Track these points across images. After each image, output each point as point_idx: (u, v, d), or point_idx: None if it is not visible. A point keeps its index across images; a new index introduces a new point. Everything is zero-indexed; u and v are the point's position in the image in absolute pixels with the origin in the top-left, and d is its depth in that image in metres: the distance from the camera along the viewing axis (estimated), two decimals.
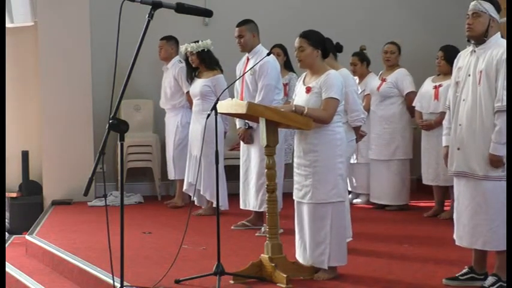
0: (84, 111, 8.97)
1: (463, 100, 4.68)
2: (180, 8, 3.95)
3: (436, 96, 7.34)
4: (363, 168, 8.18)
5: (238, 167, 7.06)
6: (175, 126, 8.36)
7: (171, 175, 8.45)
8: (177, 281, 4.94)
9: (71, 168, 8.76)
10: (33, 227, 7.45)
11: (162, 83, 8.57)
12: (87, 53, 8.98)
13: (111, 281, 4.28)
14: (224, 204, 7.29)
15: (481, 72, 4.59)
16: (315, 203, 4.93)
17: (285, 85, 7.77)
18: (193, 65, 7.65)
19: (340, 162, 4.96)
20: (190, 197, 7.91)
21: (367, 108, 7.68)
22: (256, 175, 6.63)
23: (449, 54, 7.16)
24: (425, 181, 7.63)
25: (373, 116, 7.92)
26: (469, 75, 4.66)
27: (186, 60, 7.78)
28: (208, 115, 4.96)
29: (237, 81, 6.71)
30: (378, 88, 7.91)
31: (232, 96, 6.37)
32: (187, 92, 7.98)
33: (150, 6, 3.85)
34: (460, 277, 4.82)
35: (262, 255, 5.03)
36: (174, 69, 8.39)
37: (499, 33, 4.68)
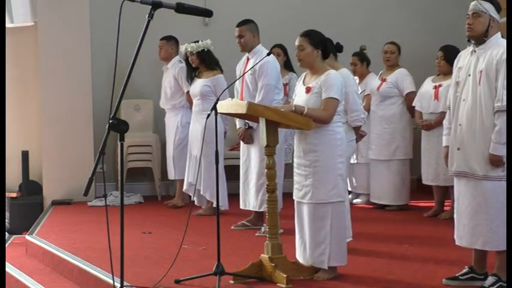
0: (84, 111, 8.97)
1: (463, 100, 4.68)
2: (180, 8, 3.95)
3: (436, 96, 7.34)
4: (363, 168, 8.18)
5: (238, 167, 7.06)
6: (175, 126, 8.35)
7: (171, 175, 8.45)
8: (177, 281, 4.94)
9: (71, 168, 8.76)
10: (33, 227, 7.44)
11: (162, 83, 8.57)
12: (87, 53, 8.98)
13: (111, 281, 4.28)
14: (224, 204, 7.29)
15: (481, 72, 4.59)
16: (315, 203, 4.93)
17: (285, 85, 7.77)
18: (193, 65, 7.65)
19: (340, 162, 4.96)
20: (190, 197, 7.91)
21: (367, 108, 7.68)
22: (256, 175, 6.63)
23: (449, 54, 7.16)
24: (425, 181, 7.63)
25: (373, 116, 7.92)
26: (469, 75, 4.66)
27: (186, 60, 7.78)
28: (208, 115, 4.96)
29: (237, 81, 6.71)
30: (378, 88, 7.91)
31: (232, 96, 6.37)
32: (188, 92, 7.98)
33: (150, 6, 3.85)
34: (460, 277, 4.82)
35: (262, 255, 5.03)
36: (174, 69, 8.39)
37: (499, 33, 4.68)
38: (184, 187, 7.79)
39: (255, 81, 6.62)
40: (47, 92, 8.90)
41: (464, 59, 4.77)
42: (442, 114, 6.63)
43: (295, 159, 5.10)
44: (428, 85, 7.51)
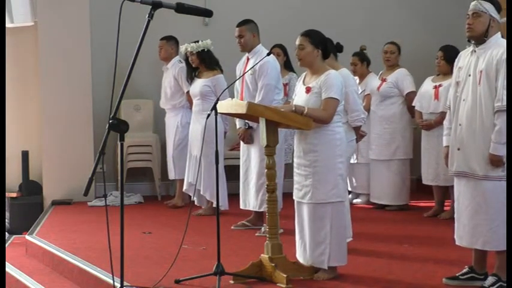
0: (84, 111, 8.97)
1: (463, 100, 4.68)
2: (180, 8, 3.95)
3: (436, 96, 7.34)
4: (363, 168, 8.18)
5: (238, 167, 7.06)
6: (175, 126, 8.35)
7: (171, 175, 8.45)
8: (177, 281, 4.94)
9: (71, 168, 8.76)
10: (33, 227, 7.44)
11: (162, 83, 8.57)
12: (87, 53, 8.98)
13: (111, 281, 4.28)
14: (224, 204, 7.29)
15: (481, 72, 4.59)
16: (314, 203, 4.93)
17: (285, 85, 7.77)
18: (193, 65, 7.65)
19: (340, 162, 4.96)
20: (190, 197, 7.91)
21: (367, 108, 7.68)
22: (256, 175, 6.62)
23: (449, 54, 7.17)
24: (425, 181, 7.63)
25: (374, 116, 7.92)
26: (469, 75, 4.66)
27: (186, 60, 7.78)
28: (208, 115, 4.96)
29: (237, 81, 6.71)
30: (378, 88, 7.91)
31: (232, 96, 6.37)
32: (188, 92, 7.98)
33: (150, 6, 3.85)
34: (460, 277, 4.83)
35: (262, 255, 5.03)
36: (174, 69, 8.39)
37: (499, 33, 4.67)
38: (184, 187, 7.79)
39: (255, 81, 6.62)
40: (47, 92, 8.90)
41: (465, 59, 4.77)
42: (442, 114, 6.65)
43: (295, 159, 5.10)
44: (428, 85, 7.51)
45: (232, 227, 6.88)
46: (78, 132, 8.93)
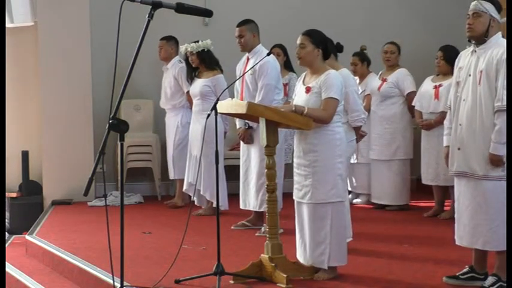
0: (84, 111, 8.97)
1: (464, 100, 4.68)
2: (180, 8, 3.95)
3: (437, 96, 7.34)
4: (363, 168, 8.18)
5: (238, 167, 7.06)
6: (175, 126, 8.35)
7: (171, 175, 8.45)
8: (177, 281, 4.94)
9: (71, 168, 8.76)
10: (33, 227, 7.44)
11: (162, 83, 8.57)
12: (87, 53, 8.98)
13: (111, 281, 4.28)
14: (224, 204, 7.29)
15: (481, 72, 4.59)
16: (314, 203, 4.93)
17: (285, 85, 7.77)
18: (193, 65, 7.65)
19: (339, 162, 4.96)
20: (190, 197, 7.91)
21: (368, 109, 7.67)
22: (256, 175, 6.62)
23: (449, 54, 7.17)
24: (424, 181, 7.63)
25: (374, 116, 7.91)
26: (470, 75, 4.66)
27: (186, 60, 7.78)
28: (208, 115, 4.96)
29: (237, 81, 6.71)
30: (379, 88, 7.90)
31: (232, 96, 6.37)
32: (188, 92, 7.98)
33: (150, 6, 3.85)
34: (461, 276, 4.83)
35: (262, 255, 5.03)
36: (174, 69, 8.39)
37: (499, 33, 4.67)
38: (184, 187, 7.79)
39: (255, 81, 6.62)
40: (47, 92, 8.90)
41: (465, 59, 4.77)
42: (442, 114, 6.65)
43: (295, 159, 5.10)
44: (428, 85, 7.51)
45: (232, 227, 6.88)
46: (78, 132, 8.93)
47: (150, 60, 8.71)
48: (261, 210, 6.59)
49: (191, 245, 5.97)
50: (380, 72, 8.08)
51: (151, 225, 7.22)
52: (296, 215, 5.10)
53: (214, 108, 5.02)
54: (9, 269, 6.20)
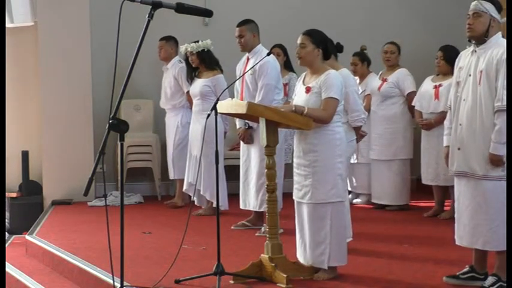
0: (84, 111, 8.97)
1: (464, 100, 4.68)
2: (180, 8, 3.95)
3: (437, 96, 7.34)
4: (363, 168, 8.18)
5: (238, 167, 7.06)
6: (175, 126, 8.36)
7: (171, 175, 8.45)
8: (177, 281, 4.94)
9: (71, 168, 8.76)
10: (33, 227, 7.44)
11: (162, 83, 8.57)
12: (87, 53, 8.98)
13: (111, 281, 4.28)
14: (224, 204, 7.29)
15: (481, 72, 4.59)
16: (314, 203, 4.93)
17: (285, 85, 7.77)
18: (193, 65, 7.65)
19: (339, 162, 4.96)
20: (190, 197, 7.91)
21: (368, 109, 7.67)
22: (256, 175, 6.62)
23: (449, 54, 7.17)
24: (424, 181, 7.63)
25: (374, 116, 7.91)
26: (470, 75, 4.66)
27: (186, 60, 7.78)
28: (208, 115, 4.96)
29: (237, 81, 6.71)
30: (379, 88, 7.90)
31: (232, 96, 6.37)
32: (188, 92, 7.98)
33: (150, 6, 3.85)
34: (461, 276, 4.83)
35: (262, 255, 5.03)
36: (174, 69, 8.39)
37: (500, 33, 4.67)
38: (184, 187, 7.79)
39: (255, 81, 6.62)
40: (47, 92, 8.90)
41: (465, 59, 4.77)
42: (442, 114, 6.65)
43: (295, 159, 5.10)
44: (428, 85, 7.50)
45: (232, 227, 6.88)
46: (78, 132, 8.93)
47: (150, 60, 8.71)
48: (261, 210, 6.59)
49: (191, 245, 5.97)
50: (380, 72, 8.08)
51: (151, 225, 7.22)
52: (296, 215, 5.10)
53: (214, 108, 5.02)
54: (9, 269, 6.20)
